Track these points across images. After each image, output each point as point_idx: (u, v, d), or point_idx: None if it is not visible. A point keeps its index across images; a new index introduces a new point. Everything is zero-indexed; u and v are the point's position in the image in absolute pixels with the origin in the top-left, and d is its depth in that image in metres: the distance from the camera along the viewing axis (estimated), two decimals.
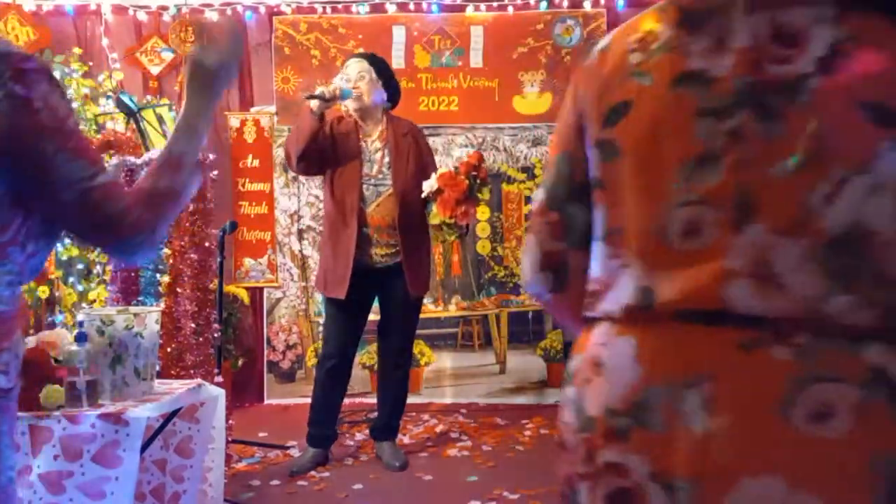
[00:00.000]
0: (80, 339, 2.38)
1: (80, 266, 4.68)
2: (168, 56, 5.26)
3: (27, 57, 1.22)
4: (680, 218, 0.93)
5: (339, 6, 5.30)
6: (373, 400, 4.35)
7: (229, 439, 3.51)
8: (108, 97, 4.99)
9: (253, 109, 5.32)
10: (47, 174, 1.21)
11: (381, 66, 3.91)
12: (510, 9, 5.25)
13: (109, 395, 2.47)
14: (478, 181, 3.70)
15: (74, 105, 4.71)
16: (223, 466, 3.01)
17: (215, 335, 3.65)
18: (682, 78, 0.95)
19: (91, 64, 5.16)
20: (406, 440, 4.32)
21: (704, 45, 0.95)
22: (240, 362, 5.15)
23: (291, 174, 5.21)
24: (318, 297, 4.99)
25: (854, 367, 0.85)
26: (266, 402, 5.25)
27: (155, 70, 5.29)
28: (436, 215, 3.66)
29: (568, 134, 1.08)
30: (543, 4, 5.23)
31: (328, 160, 3.81)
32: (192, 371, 3.38)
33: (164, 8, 5.29)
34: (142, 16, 5.32)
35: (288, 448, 4.18)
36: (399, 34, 5.25)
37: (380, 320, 4.03)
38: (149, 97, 5.11)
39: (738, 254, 0.89)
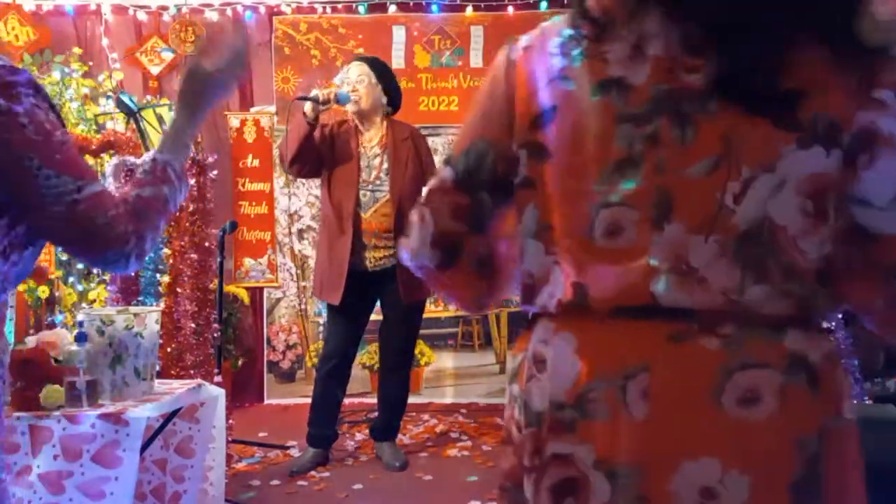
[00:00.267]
0: (80, 339, 2.39)
1: (80, 266, 4.68)
2: (168, 56, 5.26)
3: (14, 70, 1.23)
4: (603, 218, 0.98)
5: (339, 6, 5.30)
6: (373, 400, 4.35)
7: (229, 439, 3.51)
8: (108, 97, 4.99)
9: (253, 109, 5.33)
10: (32, 188, 1.21)
11: (381, 71, 3.90)
12: (510, 9, 5.25)
13: (109, 395, 2.47)
14: None
15: (74, 105, 4.71)
16: (224, 466, 3.01)
17: (215, 335, 3.65)
18: (602, 85, 0.99)
19: (91, 64, 5.16)
20: (406, 440, 4.32)
21: (622, 53, 0.99)
22: (240, 362, 5.15)
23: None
24: None
25: (776, 354, 0.93)
26: (266, 402, 5.25)
27: (155, 70, 5.29)
28: None
29: (498, 124, 1.08)
30: (543, 4, 5.23)
31: (325, 163, 3.81)
32: (192, 371, 3.38)
33: (164, 8, 5.29)
34: (142, 16, 5.32)
35: (288, 448, 4.18)
36: (399, 34, 5.25)
37: (382, 321, 4.03)
38: (149, 97, 5.11)
39: (659, 251, 0.95)
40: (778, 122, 0.92)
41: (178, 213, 3.41)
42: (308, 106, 3.64)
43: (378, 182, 3.81)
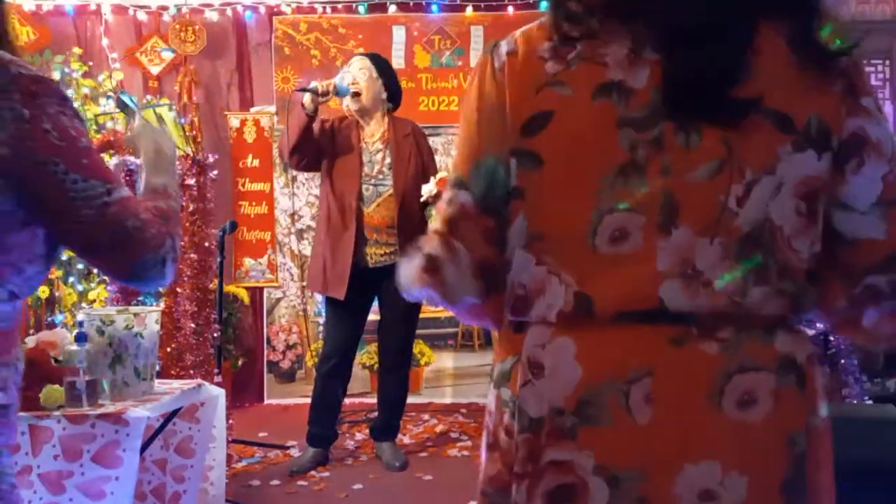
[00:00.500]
0: (80, 339, 2.39)
1: (80, 266, 4.68)
2: (168, 56, 5.26)
3: (38, 78, 1.22)
4: (608, 224, 0.96)
5: (339, 6, 5.30)
6: (373, 400, 4.35)
7: (229, 439, 3.51)
8: (108, 97, 5.00)
9: (253, 109, 5.33)
10: (60, 193, 1.19)
11: (382, 66, 3.91)
12: (510, 9, 5.25)
13: (109, 395, 2.47)
14: None
15: (75, 105, 4.71)
16: (224, 466, 3.01)
17: (215, 335, 3.65)
18: (601, 89, 0.97)
19: (91, 64, 5.16)
20: (406, 440, 4.32)
21: (621, 56, 0.97)
22: (240, 362, 5.16)
23: (291, 174, 5.22)
24: (318, 297, 4.99)
25: (769, 356, 0.95)
26: (266, 402, 5.25)
27: (155, 70, 5.29)
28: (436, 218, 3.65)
29: (497, 136, 1.03)
30: (543, 4, 5.23)
31: (326, 157, 3.81)
32: (191, 371, 3.38)
33: (164, 8, 5.28)
34: (142, 16, 5.32)
35: (288, 448, 4.18)
36: (399, 34, 5.25)
37: (379, 320, 4.03)
38: (149, 97, 5.11)
39: (666, 256, 0.95)
40: (777, 124, 0.94)
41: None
42: (307, 97, 3.65)
43: (381, 177, 3.81)
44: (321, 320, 5.14)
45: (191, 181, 3.61)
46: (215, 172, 3.86)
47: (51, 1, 5.24)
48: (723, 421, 0.94)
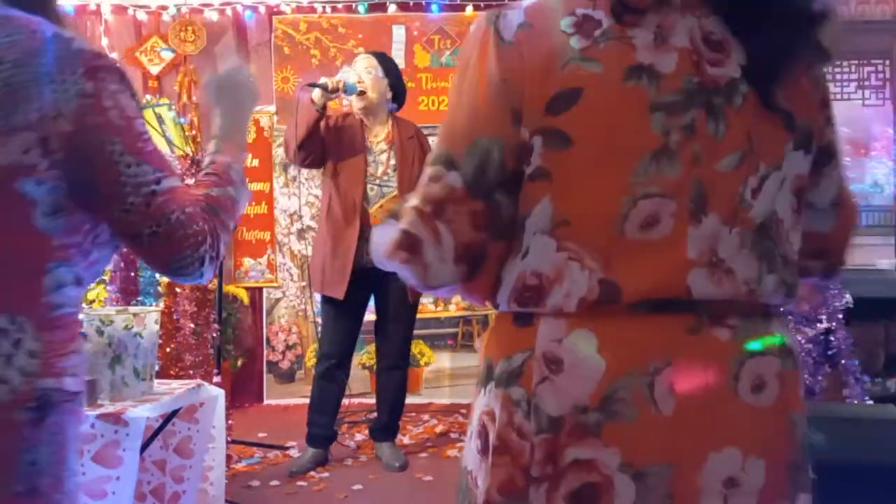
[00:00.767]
0: None
1: None
2: (168, 56, 5.26)
3: (99, 54, 1.22)
4: (640, 209, 0.94)
5: (339, 6, 5.30)
6: (372, 400, 4.35)
7: (229, 440, 3.50)
8: None
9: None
10: (112, 175, 1.18)
11: (389, 66, 3.91)
12: None
13: (109, 395, 2.47)
14: None
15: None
16: (223, 466, 3.01)
17: (214, 335, 3.64)
18: (633, 70, 0.95)
19: None
20: (406, 440, 4.32)
21: (648, 40, 0.96)
22: (239, 362, 5.15)
23: (291, 174, 5.22)
24: (318, 296, 4.98)
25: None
26: (265, 402, 5.25)
27: (155, 70, 5.29)
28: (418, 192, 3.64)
29: (499, 118, 0.98)
30: None
31: (330, 154, 3.80)
32: (191, 371, 3.38)
33: (164, 8, 5.28)
34: (141, 15, 5.32)
35: (287, 448, 4.18)
36: (399, 34, 5.25)
37: (376, 321, 4.02)
38: (148, 97, 5.10)
39: (696, 243, 0.95)
40: (784, 122, 0.98)
41: None
42: (317, 93, 3.64)
43: (385, 178, 3.81)
44: (321, 320, 5.14)
45: (191, 181, 3.60)
46: None
47: None
48: (740, 406, 0.95)
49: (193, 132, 5.17)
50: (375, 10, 5.28)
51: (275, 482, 3.70)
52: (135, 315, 2.54)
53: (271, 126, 5.23)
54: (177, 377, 3.21)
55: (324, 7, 5.31)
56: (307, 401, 4.00)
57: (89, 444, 2.24)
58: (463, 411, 4.95)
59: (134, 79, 5.26)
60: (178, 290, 3.46)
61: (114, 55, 5.25)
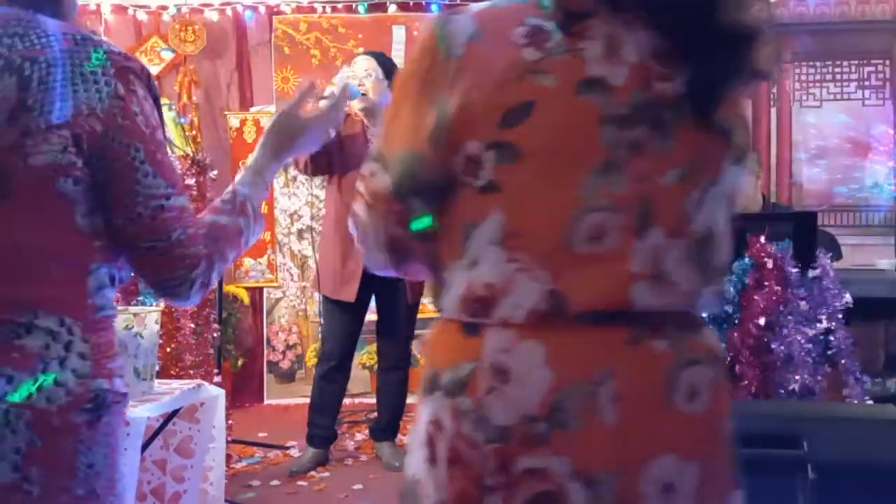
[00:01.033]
0: None
1: None
2: (168, 56, 5.26)
3: (129, 57, 1.22)
4: (587, 223, 0.96)
5: (339, 6, 5.30)
6: (373, 400, 4.35)
7: (229, 439, 3.51)
8: None
9: (253, 109, 5.33)
10: (130, 183, 1.18)
11: (388, 67, 3.89)
12: None
13: None
14: None
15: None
16: (224, 466, 3.01)
17: (215, 335, 3.64)
18: (584, 83, 0.96)
19: None
20: (406, 440, 4.31)
21: (598, 53, 0.97)
22: (239, 362, 5.16)
23: (291, 174, 5.22)
24: (318, 296, 4.98)
25: (703, 350, 1.01)
26: (266, 402, 5.25)
27: (155, 70, 5.29)
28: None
29: (432, 132, 1.00)
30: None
31: (335, 160, 3.78)
32: (191, 371, 3.38)
33: (164, 8, 5.29)
34: (142, 16, 5.32)
35: (288, 448, 4.18)
36: (399, 34, 5.25)
37: (378, 321, 4.02)
38: None
39: (639, 257, 0.97)
40: (724, 139, 1.01)
41: None
42: (324, 104, 3.62)
43: None
44: (321, 320, 5.14)
45: (191, 181, 3.60)
46: (215, 172, 3.84)
47: None
48: (676, 415, 0.97)
49: (193, 132, 5.17)
50: (375, 10, 5.28)
51: (275, 482, 3.71)
52: (135, 315, 2.55)
53: None
54: (177, 377, 3.21)
55: (324, 7, 5.31)
56: (307, 400, 4.01)
57: None
58: None
59: None
60: None
61: None
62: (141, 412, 2.34)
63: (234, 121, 5.25)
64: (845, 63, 5.38)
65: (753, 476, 1.80)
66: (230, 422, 3.60)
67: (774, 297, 2.42)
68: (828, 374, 2.55)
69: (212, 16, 5.27)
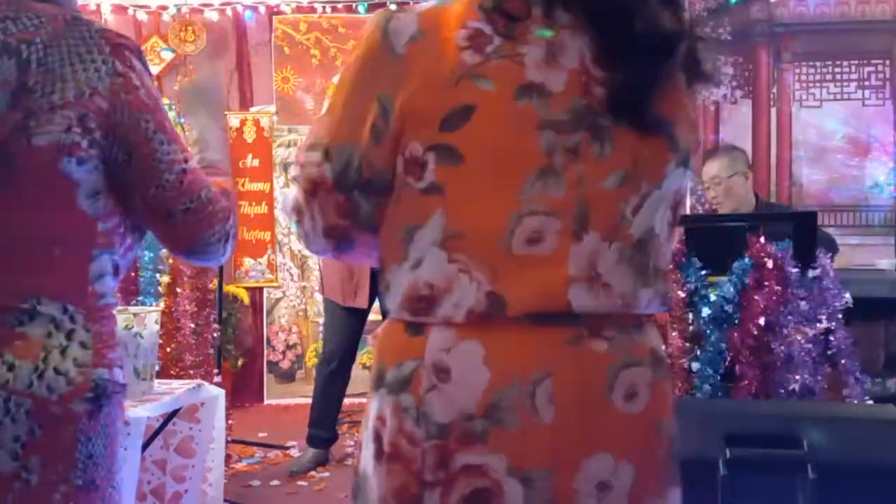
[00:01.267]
0: None
1: None
2: (168, 56, 5.26)
3: (119, 34, 1.24)
4: (525, 226, 0.97)
5: (339, 6, 5.31)
6: None
7: (229, 439, 3.51)
8: None
9: (253, 109, 5.33)
10: (148, 152, 1.20)
11: None
12: None
13: None
14: None
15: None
16: (223, 466, 3.01)
17: (215, 335, 3.64)
18: (523, 89, 0.97)
19: None
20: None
21: (538, 58, 0.97)
22: (239, 362, 5.16)
23: (291, 173, 5.21)
24: (318, 297, 4.99)
25: (644, 351, 1.02)
26: (266, 402, 5.25)
27: (155, 70, 5.29)
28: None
29: (370, 127, 1.01)
30: None
31: None
32: (191, 371, 3.38)
33: (164, 8, 5.29)
34: (142, 15, 5.33)
35: (288, 448, 4.18)
36: None
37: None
38: None
39: (576, 260, 0.98)
40: (668, 143, 1.01)
41: None
42: None
43: None
44: (321, 320, 5.14)
45: None
46: None
47: None
48: (613, 414, 0.99)
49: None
50: (375, 10, 5.27)
51: (275, 482, 3.71)
52: (135, 315, 2.54)
53: (271, 126, 5.23)
54: (177, 377, 3.21)
55: (324, 7, 5.31)
56: (307, 400, 4.01)
57: None
58: None
59: None
60: (178, 290, 3.46)
61: None
62: (141, 412, 2.34)
63: (233, 121, 5.26)
64: (845, 63, 5.38)
65: (753, 476, 1.80)
66: (230, 422, 3.60)
67: (774, 297, 2.41)
68: (828, 374, 2.55)
69: (212, 16, 5.27)
